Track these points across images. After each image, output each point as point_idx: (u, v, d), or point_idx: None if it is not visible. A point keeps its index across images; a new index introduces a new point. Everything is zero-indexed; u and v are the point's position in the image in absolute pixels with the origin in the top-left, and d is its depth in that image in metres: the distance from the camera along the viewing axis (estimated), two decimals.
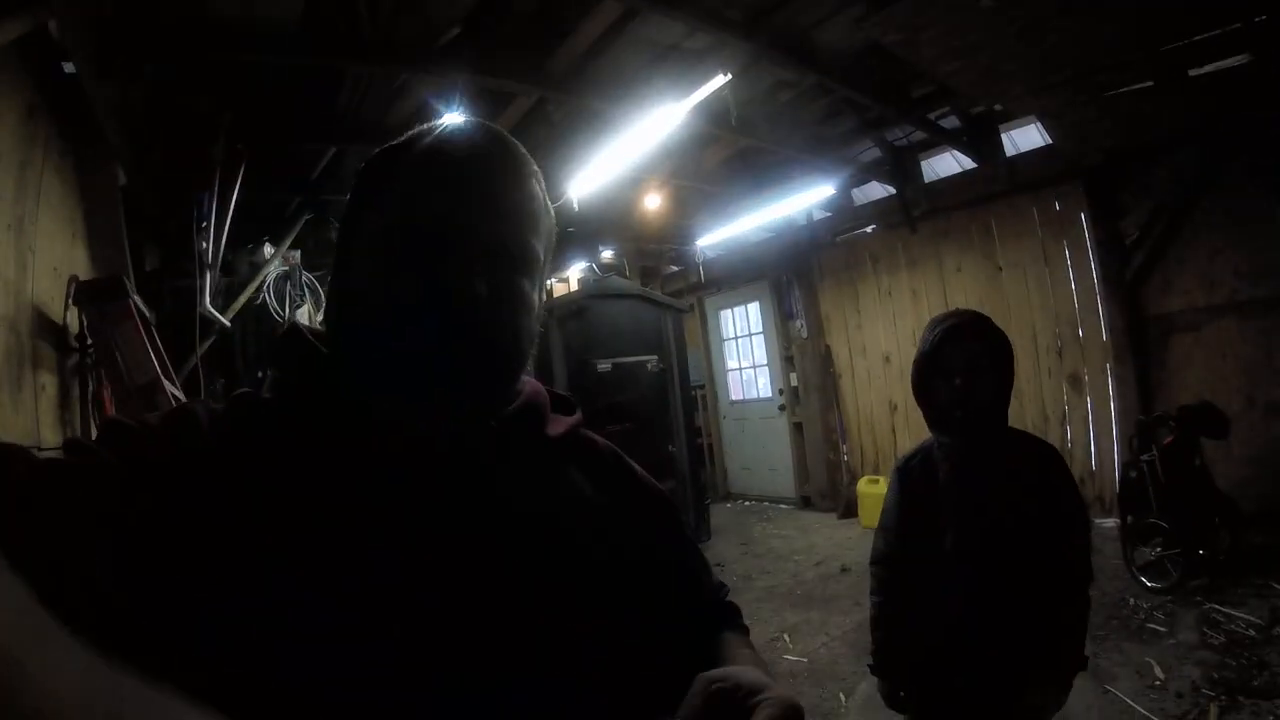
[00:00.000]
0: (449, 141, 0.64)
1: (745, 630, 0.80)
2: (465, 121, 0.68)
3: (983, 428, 1.47)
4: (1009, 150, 5.47)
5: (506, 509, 0.59)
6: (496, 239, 0.60)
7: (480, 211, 0.60)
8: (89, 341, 2.20)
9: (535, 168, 0.69)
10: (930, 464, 1.56)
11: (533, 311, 0.65)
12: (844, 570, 4.86)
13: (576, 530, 0.64)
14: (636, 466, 0.80)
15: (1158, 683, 2.77)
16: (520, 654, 0.53)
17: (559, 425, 0.71)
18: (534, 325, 0.66)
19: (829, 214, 6.81)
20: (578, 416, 0.75)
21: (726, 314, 8.10)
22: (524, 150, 0.68)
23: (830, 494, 6.72)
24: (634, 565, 0.66)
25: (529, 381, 0.70)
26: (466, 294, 0.57)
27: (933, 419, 1.54)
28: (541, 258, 0.66)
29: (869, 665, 1.65)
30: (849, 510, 6.32)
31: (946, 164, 6.19)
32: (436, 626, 0.51)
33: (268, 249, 4.45)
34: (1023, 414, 5.46)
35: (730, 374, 8.05)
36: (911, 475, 1.58)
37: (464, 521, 0.56)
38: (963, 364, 1.45)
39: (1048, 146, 5.04)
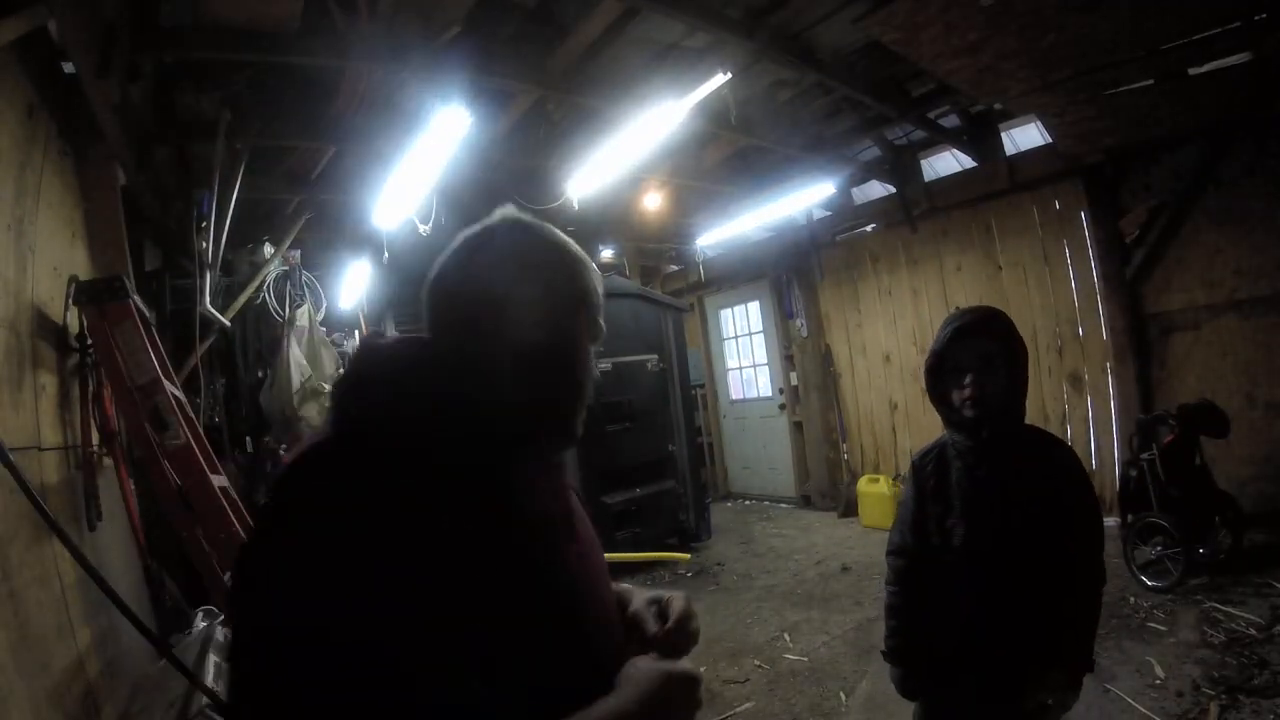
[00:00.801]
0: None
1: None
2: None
3: (995, 427, 1.46)
4: (1009, 149, 5.47)
5: (574, 520, 0.85)
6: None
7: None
8: (89, 341, 2.20)
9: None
10: (944, 462, 1.57)
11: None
12: (844, 569, 4.86)
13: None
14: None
15: (1158, 681, 2.77)
16: (602, 604, 0.82)
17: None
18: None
19: (829, 213, 6.81)
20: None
21: (726, 313, 8.10)
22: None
23: (830, 493, 6.72)
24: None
25: None
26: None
27: (946, 418, 1.54)
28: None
29: (882, 652, 1.68)
30: (849, 509, 6.33)
31: (946, 163, 6.19)
32: (569, 590, 0.75)
33: (268, 249, 4.45)
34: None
35: (730, 373, 8.05)
36: (925, 472, 1.59)
37: (560, 529, 0.80)
38: (973, 363, 1.44)
39: (1048, 145, 5.04)
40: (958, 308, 1.58)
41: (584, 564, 0.81)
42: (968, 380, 1.44)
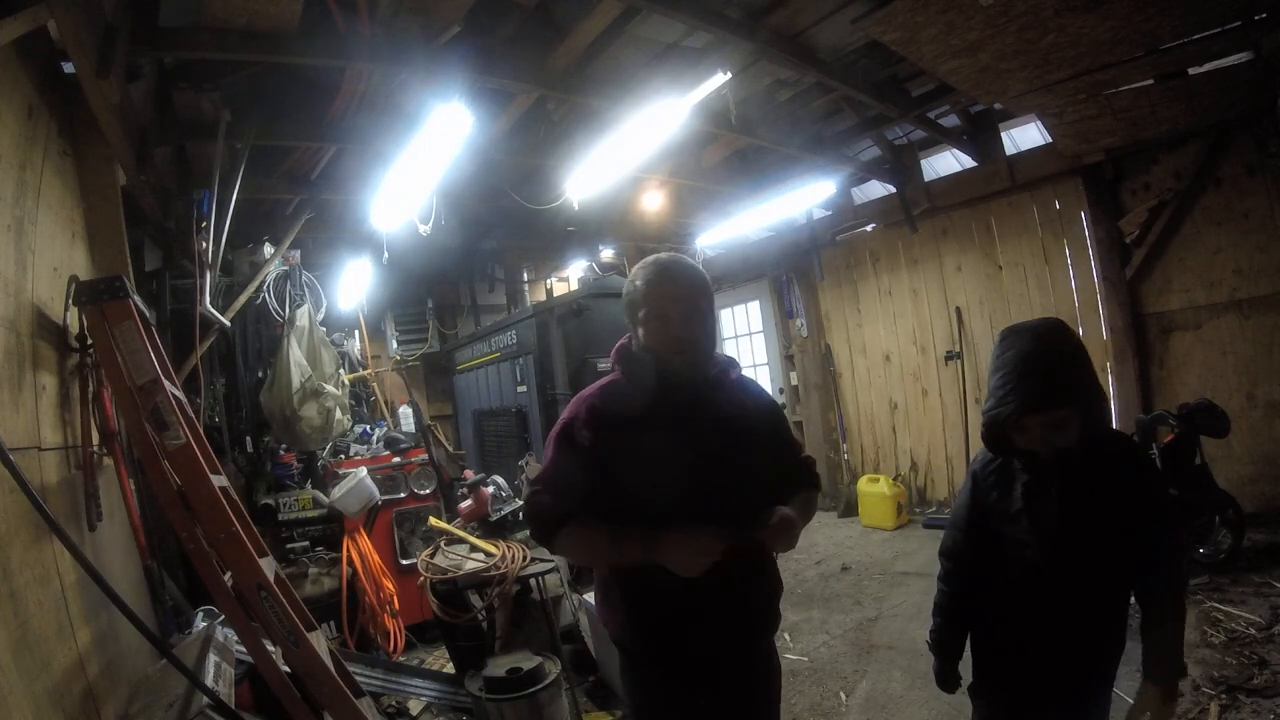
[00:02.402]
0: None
1: (811, 481, 1.66)
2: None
3: (1063, 456, 1.39)
4: (1009, 149, 5.47)
5: (712, 415, 1.51)
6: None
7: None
8: (89, 341, 2.20)
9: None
10: (1008, 474, 1.50)
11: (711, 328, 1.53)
12: (844, 569, 4.86)
13: (739, 422, 1.54)
14: (767, 393, 1.74)
15: None
16: (717, 481, 1.46)
17: (731, 374, 1.60)
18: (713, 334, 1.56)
19: (829, 213, 6.81)
20: (737, 370, 1.63)
21: (726, 313, 8.10)
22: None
23: (830, 493, 6.72)
24: (767, 442, 1.60)
25: (720, 356, 1.60)
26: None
27: (1002, 448, 1.50)
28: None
29: (927, 642, 1.70)
30: (849, 509, 6.33)
31: (946, 162, 6.19)
32: (683, 467, 1.44)
33: (268, 249, 4.45)
34: None
35: None
36: (985, 482, 1.53)
37: (695, 424, 1.48)
38: (1042, 430, 1.36)
39: (1048, 145, 5.04)
40: (1010, 330, 1.44)
41: (695, 453, 1.44)
42: (1039, 439, 1.38)
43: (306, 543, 4.11)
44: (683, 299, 1.47)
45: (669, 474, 1.44)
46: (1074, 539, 1.39)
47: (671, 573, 1.38)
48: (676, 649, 1.53)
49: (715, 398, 1.54)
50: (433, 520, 3.79)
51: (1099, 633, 1.45)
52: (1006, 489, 1.49)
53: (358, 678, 2.49)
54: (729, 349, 8.14)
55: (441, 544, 3.40)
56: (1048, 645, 1.45)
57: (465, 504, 3.67)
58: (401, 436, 4.96)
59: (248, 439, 4.28)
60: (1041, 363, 1.33)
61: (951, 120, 5.39)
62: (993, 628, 1.56)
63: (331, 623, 3.83)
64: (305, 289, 4.50)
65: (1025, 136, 5.51)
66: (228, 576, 2.01)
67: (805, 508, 1.57)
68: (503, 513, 3.56)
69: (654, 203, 6.12)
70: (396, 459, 4.60)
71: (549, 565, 3.10)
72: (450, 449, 5.96)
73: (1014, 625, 1.49)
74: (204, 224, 3.47)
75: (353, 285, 5.66)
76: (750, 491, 1.49)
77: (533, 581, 3.09)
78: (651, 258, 1.54)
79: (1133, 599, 1.51)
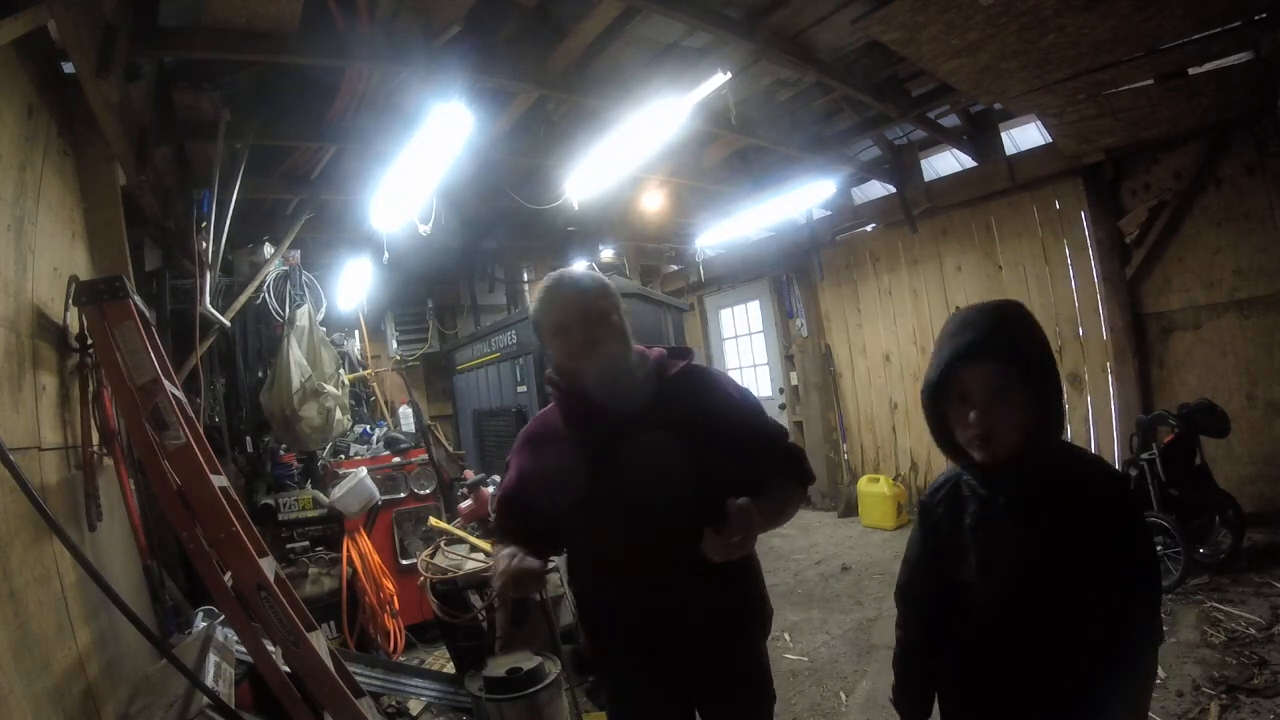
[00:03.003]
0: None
1: (795, 468, 1.55)
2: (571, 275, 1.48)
3: (1014, 470, 1.14)
4: (1009, 149, 5.47)
5: (652, 420, 1.41)
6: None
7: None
8: (89, 341, 2.20)
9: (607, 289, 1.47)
10: (957, 501, 1.27)
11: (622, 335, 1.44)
12: (844, 569, 4.86)
13: (690, 420, 1.42)
14: (730, 381, 1.59)
15: (1158, 681, 2.77)
16: (666, 493, 1.37)
17: (673, 368, 1.50)
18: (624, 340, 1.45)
19: (829, 213, 6.81)
20: (686, 360, 1.54)
21: (726, 313, 8.10)
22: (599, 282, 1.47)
23: (830, 493, 6.72)
24: (730, 434, 1.45)
25: (647, 354, 1.50)
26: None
27: (952, 455, 1.24)
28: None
29: (890, 699, 1.47)
30: (849, 509, 6.33)
31: (946, 162, 6.19)
32: (625, 479, 1.40)
33: (268, 249, 4.45)
34: None
35: (730, 373, 8.06)
36: (934, 514, 1.31)
37: (629, 434, 1.41)
38: (980, 392, 1.12)
39: (1048, 145, 5.04)
40: (958, 308, 1.24)
41: (634, 461, 1.39)
42: (972, 416, 1.13)
43: (306, 543, 4.11)
44: (573, 306, 1.40)
45: (607, 494, 1.40)
46: (1026, 582, 1.14)
47: (606, 580, 1.49)
48: (630, 658, 1.51)
49: (654, 400, 1.43)
50: (433, 520, 3.79)
51: (1072, 689, 1.15)
52: (956, 518, 1.26)
53: (358, 678, 2.48)
54: (729, 349, 8.14)
55: (441, 544, 3.40)
56: (1012, 706, 1.20)
57: (465, 504, 3.67)
58: (401, 436, 4.96)
59: (248, 439, 4.28)
60: (981, 319, 1.15)
61: (951, 120, 5.39)
62: (955, 684, 1.32)
63: (331, 623, 3.83)
64: (305, 289, 4.50)
65: (1025, 136, 5.52)
66: (228, 576, 2.01)
67: (774, 502, 1.41)
68: None
69: (654, 203, 6.12)
70: (396, 459, 4.60)
71: (549, 565, 3.10)
72: (450, 449, 5.95)
73: (974, 682, 1.26)
74: (204, 224, 3.47)
75: (353, 285, 5.66)
76: (710, 495, 1.30)
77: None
78: (545, 278, 1.49)
79: None
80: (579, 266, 7.55)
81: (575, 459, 1.44)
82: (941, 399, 1.19)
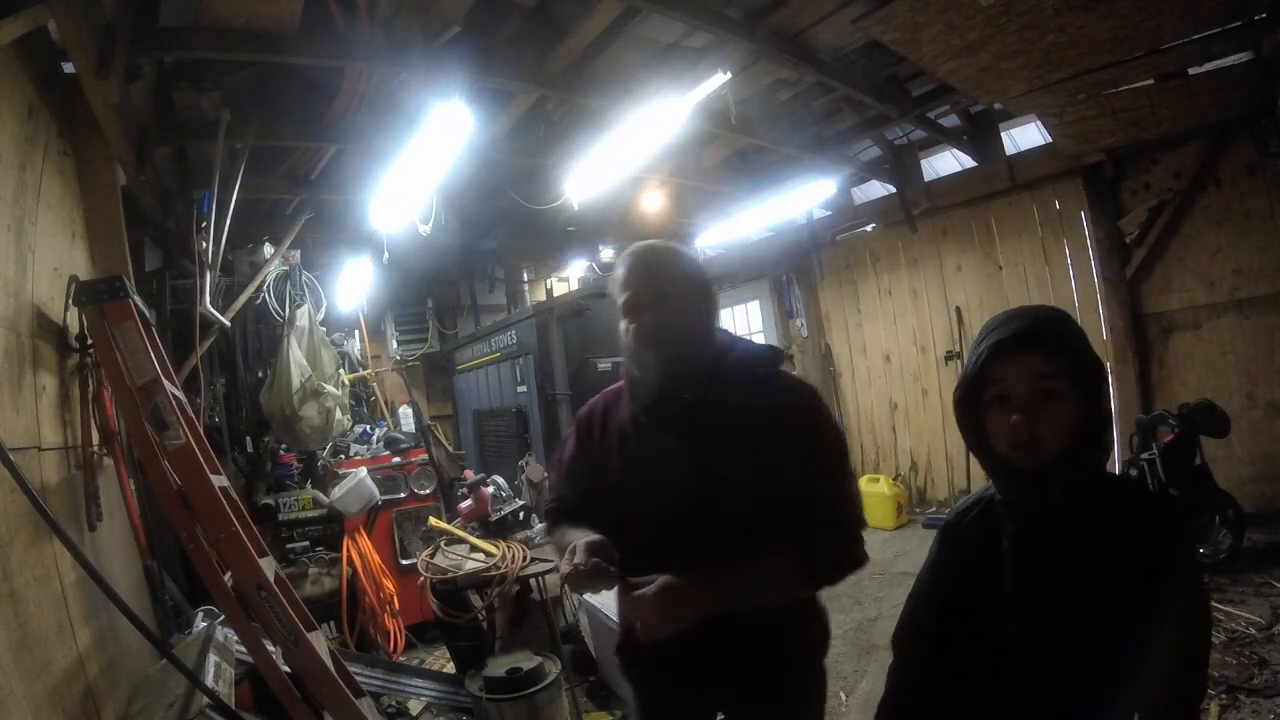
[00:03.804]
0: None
1: (811, 551, 1.22)
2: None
3: (1059, 482, 0.99)
4: (1009, 149, 5.47)
5: (702, 422, 1.27)
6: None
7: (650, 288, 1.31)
8: (89, 341, 2.20)
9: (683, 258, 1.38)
10: (990, 524, 1.09)
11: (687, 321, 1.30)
12: None
13: (739, 429, 1.25)
14: (789, 386, 1.36)
15: None
16: (697, 503, 1.24)
17: (736, 367, 1.33)
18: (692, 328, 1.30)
19: (829, 213, 6.81)
20: (763, 364, 1.36)
21: (726, 313, 8.10)
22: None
23: None
24: (774, 459, 1.23)
25: (726, 347, 1.35)
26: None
27: (991, 468, 1.08)
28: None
29: None
30: None
31: (946, 162, 6.19)
32: (662, 474, 1.27)
33: (268, 249, 4.45)
34: None
35: None
36: (961, 538, 1.13)
37: (676, 433, 1.29)
38: (1024, 390, 0.99)
39: (1048, 145, 5.04)
40: (1004, 313, 1.07)
41: (673, 456, 1.27)
42: (1014, 419, 0.98)
43: (306, 543, 4.11)
44: (652, 285, 1.27)
45: (646, 490, 1.29)
46: (1074, 614, 0.99)
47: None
48: (658, 690, 1.41)
49: (710, 399, 1.27)
50: (433, 520, 3.79)
51: None
52: (988, 544, 1.08)
53: (358, 678, 2.48)
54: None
55: (441, 544, 3.40)
56: None
57: (465, 504, 3.67)
58: (401, 436, 4.96)
59: (248, 439, 4.28)
60: (1026, 312, 1.05)
61: (951, 120, 5.38)
62: None
63: (331, 623, 3.83)
64: (305, 289, 4.50)
65: (1025, 136, 5.51)
66: (228, 576, 2.01)
67: (763, 580, 1.20)
68: (503, 513, 3.56)
69: (654, 203, 6.11)
70: (396, 459, 4.60)
71: (549, 565, 3.10)
72: (450, 449, 5.96)
73: None
74: (204, 224, 3.47)
75: (353, 285, 5.66)
76: (741, 519, 1.20)
77: (533, 581, 3.09)
78: (634, 245, 1.37)
79: None
80: (579, 266, 7.57)
81: (619, 442, 1.38)
82: (977, 403, 1.04)
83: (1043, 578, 1.01)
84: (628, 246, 1.39)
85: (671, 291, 1.27)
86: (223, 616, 2.40)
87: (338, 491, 4.01)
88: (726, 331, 1.41)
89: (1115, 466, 4.74)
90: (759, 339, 7.68)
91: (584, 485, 1.44)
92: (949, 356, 5.89)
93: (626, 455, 1.36)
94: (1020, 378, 0.99)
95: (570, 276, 8.04)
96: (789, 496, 1.21)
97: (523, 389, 5.09)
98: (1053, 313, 1.04)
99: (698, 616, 1.13)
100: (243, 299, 4.12)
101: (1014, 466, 1.02)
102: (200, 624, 2.78)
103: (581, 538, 1.21)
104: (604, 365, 5.14)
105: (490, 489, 3.69)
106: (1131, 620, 0.95)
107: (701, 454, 1.25)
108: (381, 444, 4.89)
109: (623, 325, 1.32)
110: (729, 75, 3.37)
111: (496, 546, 3.20)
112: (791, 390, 1.33)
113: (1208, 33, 3.27)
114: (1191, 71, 3.81)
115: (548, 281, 8.08)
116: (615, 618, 1.63)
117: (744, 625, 1.22)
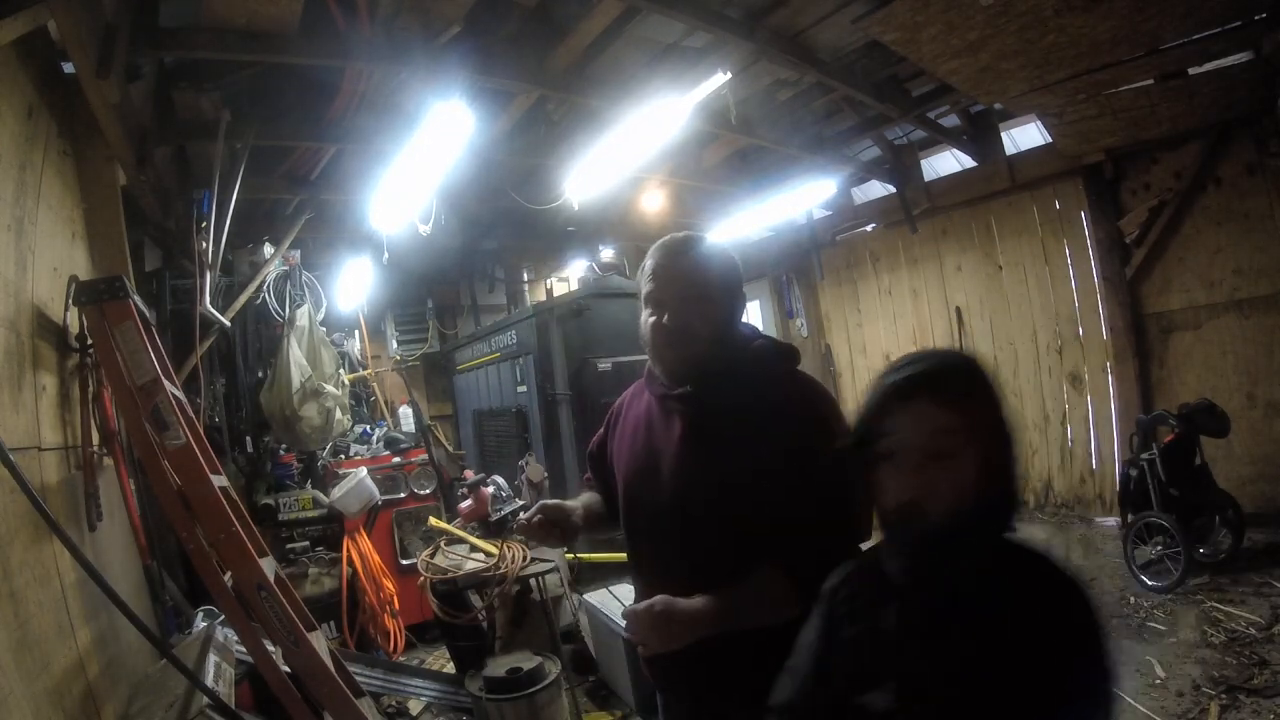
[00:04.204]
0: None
1: (799, 561, 1.13)
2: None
3: (951, 549, 0.86)
4: (1009, 149, 5.46)
5: (708, 425, 1.25)
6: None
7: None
8: (89, 341, 2.20)
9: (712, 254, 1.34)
10: (876, 590, 0.95)
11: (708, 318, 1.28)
12: None
13: (743, 437, 1.20)
14: (803, 396, 1.29)
15: (1158, 681, 2.78)
16: (691, 511, 1.23)
17: (746, 363, 1.30)
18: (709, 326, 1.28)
19: (829, 213, 6.81)
20: (772, 362, 1.33)
21: None
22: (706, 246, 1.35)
23: None
24: (773, 474, 1.17)
25: (742, 344, 1.32)
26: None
27: (881, 526, 0.96)
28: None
29: None
30: None
31: (946, 162, 6.18)
32: (666, 462, 1.29)
33: (268, 249, 4.44)
34: (1023, 413, 5.47)
35: None
36: (841, 605, 0.99)
37: (677, 431, 1.29)
38: (916, 447, 0.86)
39: (1048, 145, 5.04)
40: (907, 355, 0.95)
41: (673, 447, 1.29)
42: (903, 478, 0.87)
43: (306, 543, 4.11)
44: (677, 284, 1.25)
45: (643, 480, 1.31)
46: (967, 700, 0.84)
47: (632, 567, 1.42)
48: (662, 675, 1.38)
49: (713, 398, 1.24)
50: (433, 520, 3.79)
51: None
52: (870, 614, 0.95)
53: (358, 678, 2.48)
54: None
55: (441, 544, 3.40)
56: None
57: (465, 504, 3.66)
58: (401, 436, 4.96)
59: (248, 439, 4.28)
60: (928, 357, 0.92)
61: (951, 120, 5.38)
62: None
63: (331, 623, 3.82)
64: (305, 289, 4.50)
65: (1025, 136, 5.51)
66: (228, 576, 2.01)
67: (735, 600, 1.14)
68: (503, 513, 3.55)
69: (654, 203, 6.11)
70: (396, 459, 4.60)
71: (549, 565, 3.10)
72: (450, 449, 5.96)
73: None
74: (204, 224, 3.47)
75: (353, 285, 5.66)
76: (737, 520, 1.17)
77: (533, 581, 3.09)
78: (667, 236, 1.34)
79: None
80: (579, 266, 7.57)
81: (632, 427, 1.42)
82: (868, 464, 0.92)
83: (927, 661, 0.87)
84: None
85: (694, 295, 1.25)
86: (223, 616, 2.40)
87: (338, 491, 4.01)
88: (750, 327, 1.39)
89: (1116, 467, 4.75)
90: None
91: (603, 470, 1.52)
92: None
93: (635, 445, 1.37)
94: (914, 432, 0.86)
95: (570, 276, 8.03)
96: (784, 502, 1.16)
97: (523, 389, 5.09)
98: (960, 360, 0.92)
99: (693, 639, 1.11)
100: (243, 299, 4.11)
101: (901, 531, 0.91)
102: (200, 624, 2.78)
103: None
104: (604, 365, 5.14)
105: (490, 489, 3.68)
106: (1026, 713, 0.82)
107: (699, 451, 1.24)
108: (381, 444, 4.88)
109: (644, 315, 1.30)
110: (729, 75, 3.37)
111: (496, 546, 3.19)
112: (799, 393, 1.29)
113: (1208, 33, 3.27)
114: (1191, 71, 3.81)
115: (548, 281, 8.08)
116: (616, 619, 1.64)
117: (741, 635, 1.18)
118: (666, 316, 1.25)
